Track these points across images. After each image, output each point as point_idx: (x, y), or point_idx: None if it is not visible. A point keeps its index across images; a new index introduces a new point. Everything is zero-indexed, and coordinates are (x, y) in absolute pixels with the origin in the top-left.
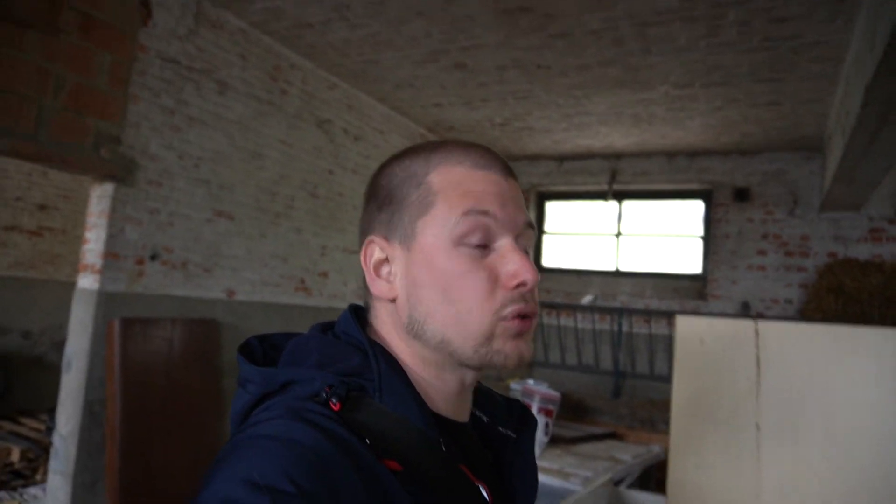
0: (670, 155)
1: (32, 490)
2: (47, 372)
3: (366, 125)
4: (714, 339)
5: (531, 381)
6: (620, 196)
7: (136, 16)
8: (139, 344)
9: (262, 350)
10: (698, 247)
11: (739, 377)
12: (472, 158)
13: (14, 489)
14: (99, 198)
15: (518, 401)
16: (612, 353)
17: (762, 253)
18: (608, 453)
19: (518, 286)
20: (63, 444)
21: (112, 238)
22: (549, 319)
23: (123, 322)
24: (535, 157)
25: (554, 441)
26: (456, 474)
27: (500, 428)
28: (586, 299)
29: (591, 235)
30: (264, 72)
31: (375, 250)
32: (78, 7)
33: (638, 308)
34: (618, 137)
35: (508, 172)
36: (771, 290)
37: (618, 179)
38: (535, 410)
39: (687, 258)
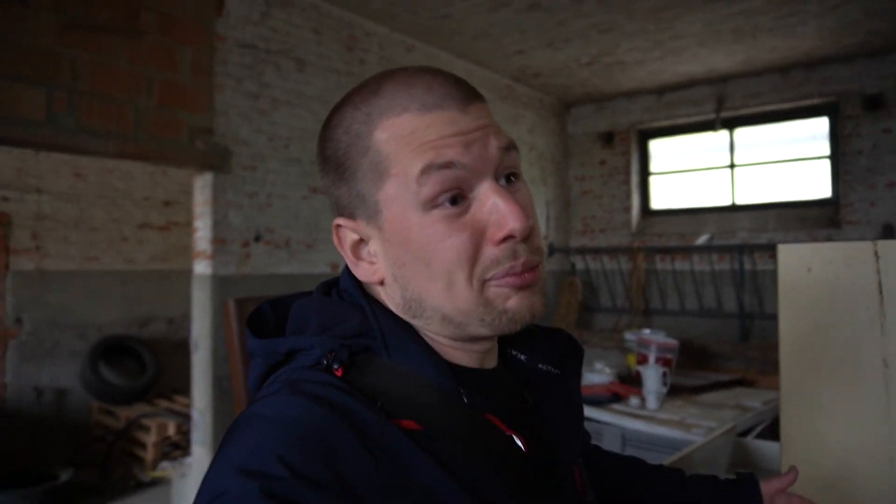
0: (783, 69)
1: (188, 459)
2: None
3: None
4: (824, 266)
5: (647, 331)
6: (731, 123)
7: (209, 7)
8: None
9: (275, 316)
10: (826, 169)
11: (859, 307)
12: (418, 98)
13: (174, 458)
14: (201, 188)
15: (562, 330)
16: (735, 294)
17: None
18: (735, 401)
19: (506, 239)
20: (201, 417)
21: (217, 224)
22: (662, 265)
23: (237, 302)
24: (631, 94)
25: (674, 391)
26: (482, 426)
27: (540, 365)
28: (701, 239)
29: (702, 170)
30: (340, 43)
31: (347, 234)
32: (155, 8)
33: (761, 243)
34: (720, 58)
35: (467, 98)
36: None
37: (726, 105)
38: (651, 360)
39: (814, 183)
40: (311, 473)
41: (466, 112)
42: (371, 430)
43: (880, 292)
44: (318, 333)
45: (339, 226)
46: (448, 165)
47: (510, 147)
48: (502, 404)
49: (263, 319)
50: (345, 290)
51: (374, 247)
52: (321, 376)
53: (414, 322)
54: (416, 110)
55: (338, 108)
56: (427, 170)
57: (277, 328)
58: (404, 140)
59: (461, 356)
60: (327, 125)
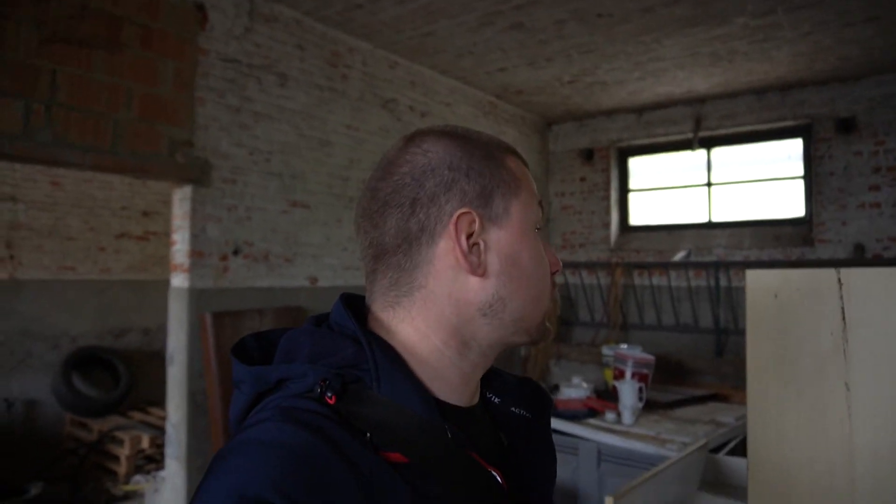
0: (759, 92)
1: (162, 473)
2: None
3: (431, 100)
4: (790, 292)
5: (624, 346)
6: (708, 143)
7: (192, 21)
8: (230, 335)
9: (259, 347)
10: (799, 188)
11: (822, 333)
12: (520, 157)
13: (147, 472)
14: (180, 200)
15: (530, 379)
16: (711, 309)
17: (875, 188)
18: (710, 416)
19: (555, 273)
20: (175, 431)
21: (196, 237)
22: (640, 280)
23: (214, 316)
24: (611, 112)
25: (650, 406)
26: (465, 462)
27: (512, 409)
28: (679, 255)
29: (680, 188)
30: (323, 59)
31: (466, 224)
32: (137, 21)
33: (736, 260)
34: (698, 80)
35: None
36: (888, 229)
37: (703, 125)
38: (628, 375)
39: (788, 202)
40: (306, 502)
41: None
42: (361, 461)
43: (843, 318)
44: (310, 362)
45: (465, 213)
46: (541, 207)
47: None
48: (482, 442)
49: (247, 350)
50: (336, 324)
51: (488, 242)
52: (314, 405)
53: (474, 323)
54: (522, 163)
55: (448, 132)
56: (540, 203)
57: (261, 359)
58: (524, 175)
59: (449, 390)
60: (441, 134)
